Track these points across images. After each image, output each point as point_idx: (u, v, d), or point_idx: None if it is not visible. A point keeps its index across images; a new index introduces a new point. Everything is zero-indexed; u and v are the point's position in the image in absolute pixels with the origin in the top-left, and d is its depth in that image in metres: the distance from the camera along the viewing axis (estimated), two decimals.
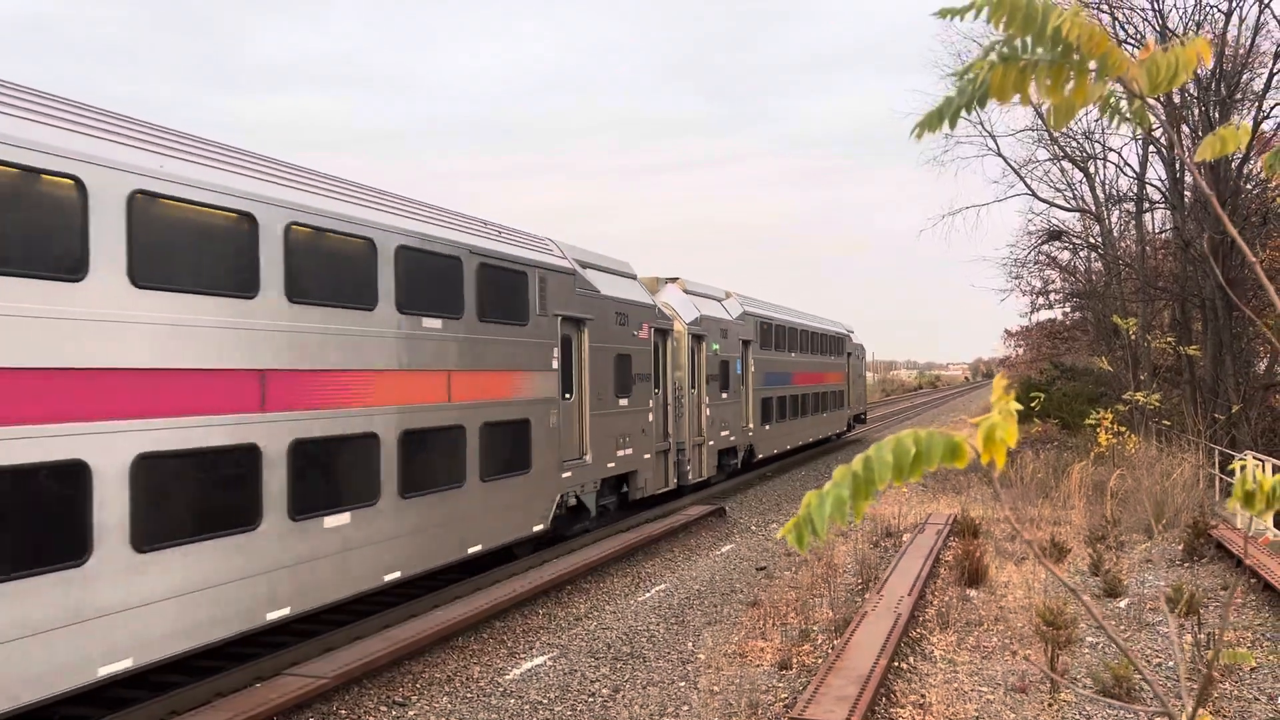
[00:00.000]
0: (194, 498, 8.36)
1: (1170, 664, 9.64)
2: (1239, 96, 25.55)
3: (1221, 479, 20.09)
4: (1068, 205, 36.38)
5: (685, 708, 8.70)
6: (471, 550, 12.45)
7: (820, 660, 9.57)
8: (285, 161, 10.25)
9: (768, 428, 26.47)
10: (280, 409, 9.25)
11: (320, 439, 9.75)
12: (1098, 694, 8.53)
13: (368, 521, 10.39)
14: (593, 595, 13.11)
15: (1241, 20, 24.92)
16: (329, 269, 10.16)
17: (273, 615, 9.09)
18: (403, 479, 10.94)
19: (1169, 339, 27.69)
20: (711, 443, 21.96)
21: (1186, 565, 14.02)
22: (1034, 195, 34.65)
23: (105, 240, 7.57)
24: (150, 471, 7.82)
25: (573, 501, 15.38)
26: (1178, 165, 27.31)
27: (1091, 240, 36.84)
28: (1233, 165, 23.91)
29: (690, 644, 10.76)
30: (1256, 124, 23.96)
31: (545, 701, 8.99)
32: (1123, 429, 25.13)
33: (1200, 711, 1.90)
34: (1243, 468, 1.72)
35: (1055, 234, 36.63)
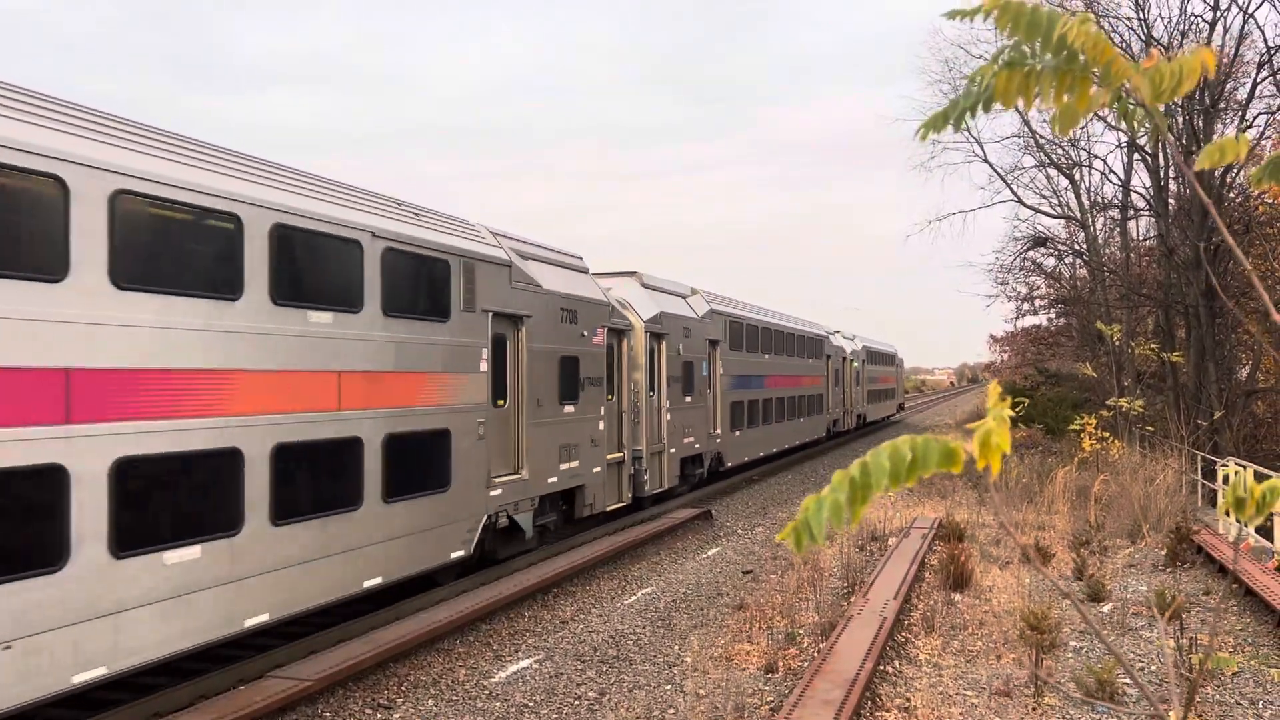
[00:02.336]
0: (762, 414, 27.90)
1: (1153, 669, 9.69)
2: (1222, 105, 25.75)
3: (1204, 485, 20.22)
4: (1053, 212, 36.58)
5: (672, 711, 8.69)
6: (813, 437, 34.78)
7: (806, 664, 9.59)
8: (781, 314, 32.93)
9: (869, 405, 49.37)
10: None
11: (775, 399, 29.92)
12: (1086, 696, 8.56)
13: (770, 428, 28.82)
14: (579, 598, 13.09)
15: (1226, 30, 25.11)
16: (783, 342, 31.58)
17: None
18: (800, 414, 32.84)
19: (1152, 345, 27.87)
20: (853, 409, 44.19)
21: (1169, 570, 14.10)
22: (1020, 201, 34.83)
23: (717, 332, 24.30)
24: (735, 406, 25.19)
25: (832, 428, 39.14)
26: (1162, 173, 27.49)
27: (1076, 247, 37.05)
28: (1216, 174, 24.08)
29: (676, 647, 10.76)
30: (1240, 133, 24.10)
31: (531, 704, 8.97)
32: (1106, 434, 25.27)
33: (1189, 716, 1.91)
34: (1235, 474, 1.73)
35: (1040, 240, 36.81)
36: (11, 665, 6.75)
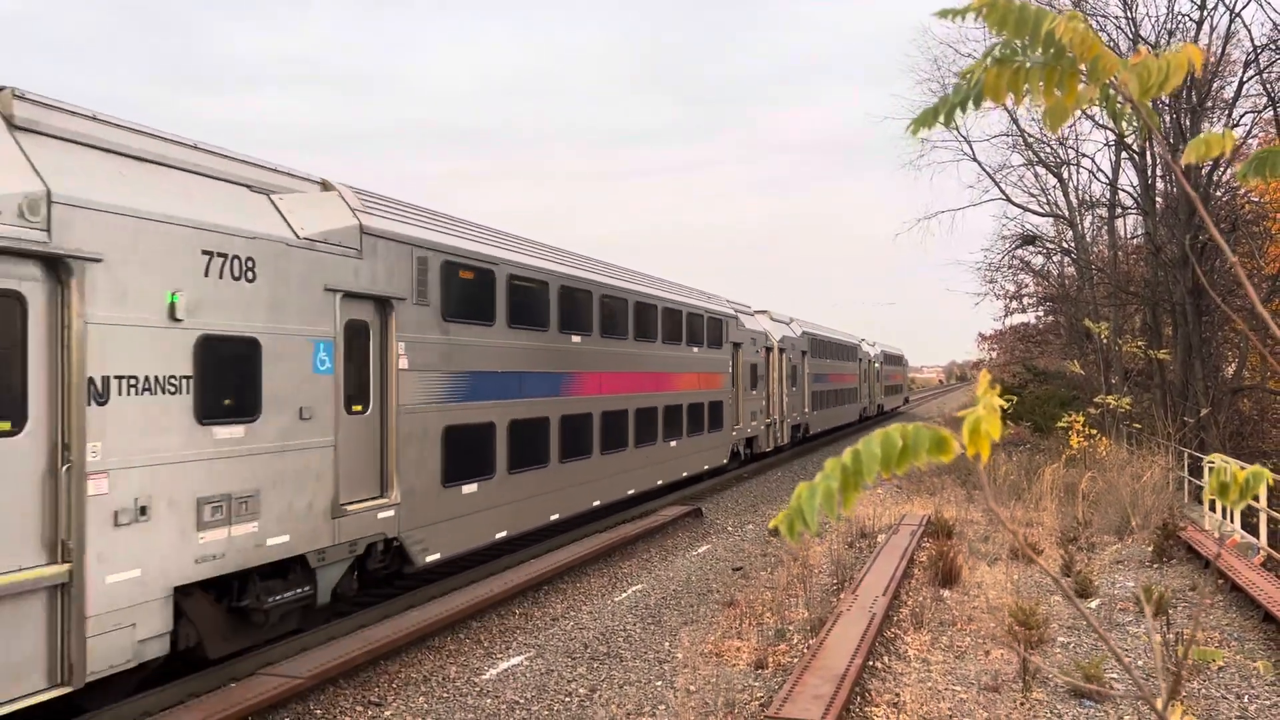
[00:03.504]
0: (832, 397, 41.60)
1: (1139, 664, 9.76)
2: (1209, 104, 25.91)
3: (1191, 482, 20.35)
4: (1041, 210, 36.77)
5: (662, 707, 8.72)
6: (853, 419, 46.82)
7: (796, 660, 9.63)
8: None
9: (885, 397, 60.46)
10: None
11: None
12: (1079, 684, 8.62)
13: (832, 410, 41.81)
14: (569, 595, 13.11)
15: (1213, 29, 25.27)
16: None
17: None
18: (847, 402, 45.74)
19: (1140, 343, 28.03)
20: (876, 400, 55.02)
21: (1156, 566, 14.20)
22: (1008, 200, 35.00)
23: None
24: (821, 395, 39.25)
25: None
26: (1150, 171, 27.65)
27: (1064, 245, 37.24)
28: (1203, 172, 24.23)
29: (667, 644, 10.79)
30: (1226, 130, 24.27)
31: (522, 701, 8.99)
32: (1094, 432, 25.40)
33: (1175, 705, 1.94)
34: (1213, 464, 1.76)
35: (1029, 238, 37.00)
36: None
